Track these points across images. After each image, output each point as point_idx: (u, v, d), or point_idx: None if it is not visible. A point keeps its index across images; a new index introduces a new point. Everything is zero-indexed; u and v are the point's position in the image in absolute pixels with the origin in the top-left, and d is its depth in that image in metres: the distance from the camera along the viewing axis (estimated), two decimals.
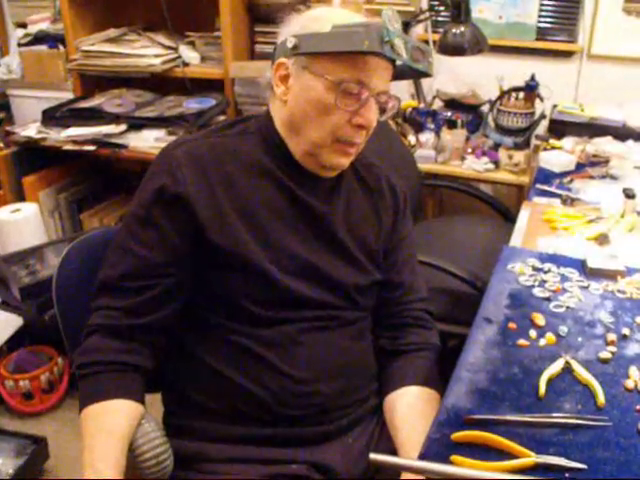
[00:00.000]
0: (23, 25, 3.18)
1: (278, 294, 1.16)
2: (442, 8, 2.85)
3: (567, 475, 0.88)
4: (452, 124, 2.78)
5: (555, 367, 1.08)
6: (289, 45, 1.11)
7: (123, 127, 2.69)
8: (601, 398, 1.02)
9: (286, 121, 1.17)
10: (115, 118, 2.72)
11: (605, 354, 1.13)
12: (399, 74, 1.19)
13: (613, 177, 2.06)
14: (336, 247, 1.23)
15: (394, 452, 1.17)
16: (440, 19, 2.94)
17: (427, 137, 2.78)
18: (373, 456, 0.88)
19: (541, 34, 2.87)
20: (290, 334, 1.17)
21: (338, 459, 1.18)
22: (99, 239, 1.37)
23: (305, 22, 1.14)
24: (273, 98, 1.19)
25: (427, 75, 1.19)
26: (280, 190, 1.19)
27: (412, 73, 1.23)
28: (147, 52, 2.83)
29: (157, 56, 2.80)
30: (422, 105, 2.90)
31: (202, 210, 1.12)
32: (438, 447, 0.93)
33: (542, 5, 2.84)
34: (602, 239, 1.58)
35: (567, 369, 1.09)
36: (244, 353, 1.16)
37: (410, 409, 1.20)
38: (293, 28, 1.14)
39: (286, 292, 1.16)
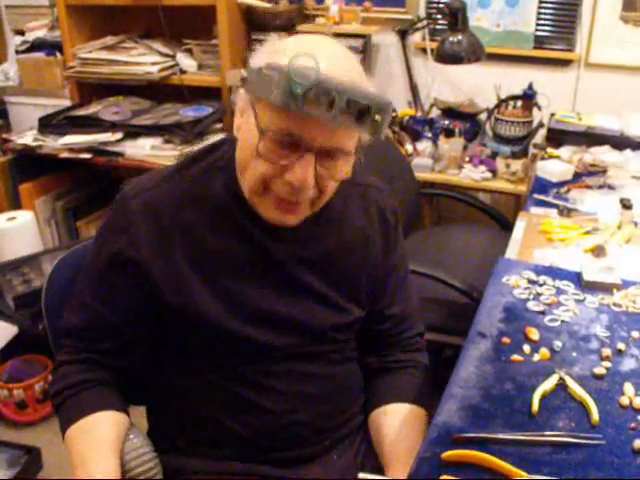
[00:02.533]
0: (21, 32, 3.18)
1: (247, 347, 1.11)
2: (439, 16, 2.84)
3: None
4: (449, 133, 2.77)
5: (549, 383, 1.07)
6: (241, 77, 1.02)
7: (119, 135, 2.69)
8: (595, 415, 1.00)
9: (237, 158, 1.07)
10: (111, 126, 2.72)
11: (600, 369, 1.11)
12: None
13: (611, 187, 2.05)
14: (305, 291, 1.14)
15: (380, 467, 1.16)
16: (438, 27, 2.93)
17: (424, 146, 2.77)
18: (362, 476, 0.87)
19: (539, 42, 2.86)
20: (264, 368, 1.13)
21: (322, 475, 1.16)
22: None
23: (262, 53, 1.02)
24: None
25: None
26: (240, 236, 1.10)
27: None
28: (144, 60, 2.83)
29: (154, 64, 2.80)
30: (419, 114, 2.89)
31: (157, 271, 1.07)
32: (428, 466, 0.91)
33: (540, 13, 2.83)
34: (598, 251, 1.56)
35: (561, 385, 1.08)
36: (219, 391, 1.13)
37: (395, 428, 1.17)
38: (253, 59, 1.03)
39: (251, 344, 1.11)
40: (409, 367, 1.27)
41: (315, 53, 0.92)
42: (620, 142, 2.37)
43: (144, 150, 2.65)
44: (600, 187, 2.05)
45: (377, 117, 0.94)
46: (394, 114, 2.87)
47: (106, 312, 1.12)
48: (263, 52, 1.02)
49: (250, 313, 1.10)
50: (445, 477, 0.88)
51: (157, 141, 2.66)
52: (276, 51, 0.99)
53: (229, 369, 1.13)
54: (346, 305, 1.18)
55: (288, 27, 2.90)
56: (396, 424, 1.18)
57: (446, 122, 2.81)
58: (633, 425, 0.99)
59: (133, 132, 2.71)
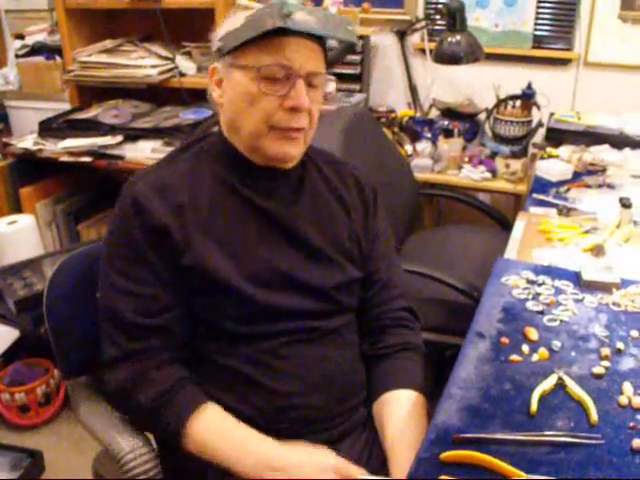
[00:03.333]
0: (20, 36, 3.19)
1: (254, 309, 1.16)
2: (438, 17, 2.85)
3: None
4: (449, 133, 2.78)
5: (548, 383, 1.07)
6: (215, 49, 1.15)
7: (119, 138, 2.69)
8: (594, 415, 1.00)
9: (227, 123, 1.19)
10: (111, 129, 2.72)
11: (599, 369, 1.11)
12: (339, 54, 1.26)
13: (610, 186, 2.05)
14: (308, 250, 1.22)
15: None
16: (436, 28, 2.93)
17: (424, 146, 2.77)
18: (361, 477, 0.87)
19: (538, 42, 2.87)
20: (272, 349, 1.16)
21: None
22: (93, 252, 1.35)
23: (225, 24, 1.15)
24: (219, 108, 1.21)
25: (352, 44, 1.24)
26: (242, 203, 1.19)
27: (341, 54, 1.31)
28: (144, 63, 2.83)
29: (154, 67, 2.80)
30: (419, 114, 2.90)
31: (176, 237, 1.13)
32: (427, 467, 0.91)
33: (538, 13, 2.83)
34: (597, 250, 1.56)
35: (560, 385, 1.08)
36: (228, 373, 1.16)
37: (395, 417, 1.19)
38: (219, 33, 1.15)
39: (262, 305, 1.16)
40: (402, 350, 1.28)
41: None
42: (619, 141, 2.37)
43: (144, 153, 2.64)
44: (599, 186, 2.05)
45: (349, 28, 1.14)
46: (393, 115, 2.88)
47: (158, 291, 1.14)
48: (224, 24, 1.15)
49: (262, 274, 1.16)
50: (444, 477, 0.89)
51: (157, 144, 2.66)
52: (247, 7, 1.13)
53: (239, 347, 1.16)
54: (345, 264, 1.26)
55: None
56: (395, 413, 1.19)
57: (445, 122, 2.82)
58: (632, 424, 1.00)
59: (133, 135, 2.70)
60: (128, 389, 1.13)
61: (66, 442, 2.27)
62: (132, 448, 1.15)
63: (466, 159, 2.73)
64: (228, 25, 1.14)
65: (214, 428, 1.11)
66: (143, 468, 1.14)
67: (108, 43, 2.94)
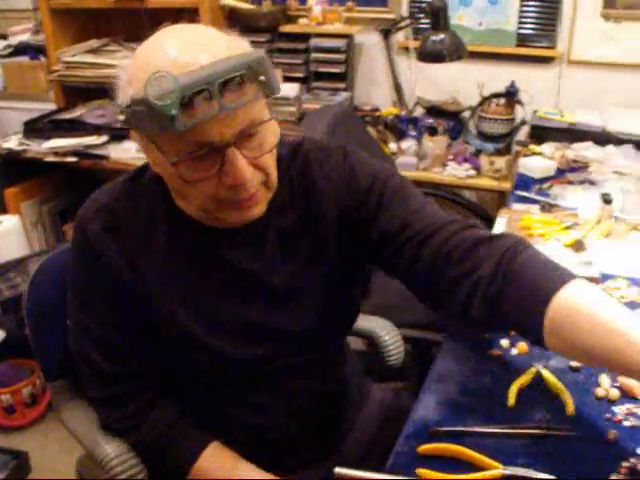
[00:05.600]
0: (4, 36, 3.18)
1: (224, 360, 1.09)
2: (422, 15, 2.86)
3: None
4: (433, 131, 2.79)
5: (526, 377, 1.08)
6: (121, 117, 0.94)
7: (105, 138, 2.69)
8: (571, 407, 1.02)
9: (171, 188, 1.02)
10: (97, 129, 2.72)
11: (576, 362, 1.12)
12: None
13: (592, 182, 2.06)
14: (275, 295, 1.09)
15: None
16: (420, 26, 2.94)
17: (409, 144, 2.78)
18: (338, 470, 0.88)
19: (521, 40, 2.88)
20: (249, 383, 1.13)
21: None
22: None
23: (122, 88, 0.95)
24: None
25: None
26: (203, 252, 1.06)
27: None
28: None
29: None
30: (403, 112, 2.91)
31: (136, 290, 1.05)
32: (405, 460, 0.93)
33: (522, 11, 2.84)
34: (578, 245, 1.58)
35: (538, 378, 1.09)
36: (203, 408, 1.15)
37: (579, 305, 0.90)
38: (122, 98, 0.94)
39: (232, 358, 1.09)
40: (497, 256, 0.98)
41: (162, 59, 0.89)
42: (602, 138, 2.38)
43: (129, 153, 2.65)
44: (582, 182, 2.07)
45: (261, 78, 0.89)
46: (378, 113, 2.89)
47: (122, 339, 1.10)
48: (122, 86, 0.95)
49: (224, 326, 1.08)
50: (421, 470, 0.90)
51: None
52: (130, 81, 0.93)
53: (213, 387, 1.13)
54: (317, 300, 1.12)
55: (271, 28, 2.92)
56: (575, 301, 0.90)
57: (430, 120, 2.82)
58: (608, 416, 1.01)
59: (118, 135, 2.71)
60: (120, 430, 1.13)
61: (52, 443, 2.27)
62: (117, 453, 1.12)
63: (451, 157, 2.74)
64: (125, 91, 0.94)
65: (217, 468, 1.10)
66: (129, 474, 1.12)
67: (93, 43, 2.94)
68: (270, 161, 0.98)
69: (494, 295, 0.95)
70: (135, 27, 2.96)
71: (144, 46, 0.95)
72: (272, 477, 1.10)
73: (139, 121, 0.90)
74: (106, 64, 2.84)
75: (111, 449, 1.12)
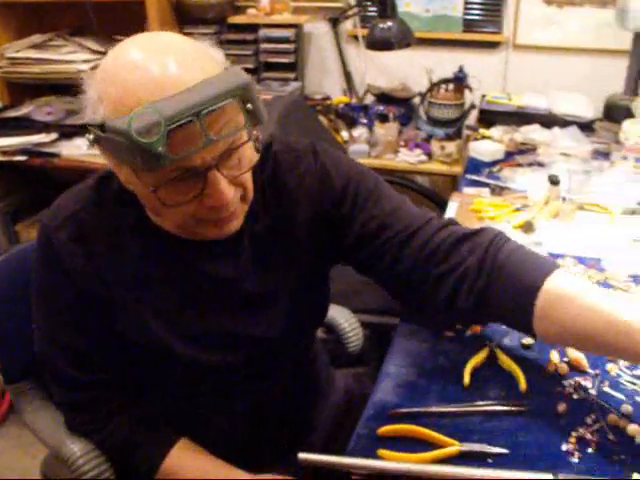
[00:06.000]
0: None
1: (199, 373, 1.10)
2: (369, 3, 2.88)
3: (490, 461, 0.92)
4: (384, 118, 2.82)
5: (480, 356, 1.12)
6: (89, 136, 0.88)
7: (54, 136, 2.65)
8: (524, 384, 1.05)
9: (147, 207, 0.99)
10: (45, 127, 2.68)
11: (527, 340, 1.16)
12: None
13: (540, 164, 2.11)
14: (248, 302, 1.09)
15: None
16: (368, 14, 2.96)
17: (360, 132, 2.81)
18: (302, 456, 0.90)
19: (468, 26, 2.92)
20: (222, 389, 1.14)
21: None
22: (29, 253, 1.32)
23: (102, 90, 0.87)
24: None
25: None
26: (174, 262, 1.05)
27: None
28: (75, 57, 2.77)
29: (86, 61, 2.75)
30: (354, 100, 2.93)
31: (105, 301, 1.04)
32: (365, 442, 0.95)
33: None
34: (527, 227, 1.62)
35: (492, 357, 1.13)
36: (176, 413, 1.15)
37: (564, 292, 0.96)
38: (92, 114, 0.88)
39: (205, 366, 1.08)
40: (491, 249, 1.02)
41: (136, 76, 0.84)
42: (548, 120, 2.44)
43: (81, 150, 2.61)
44: (530, 165, 2.12)
45: (249, 106, 0.87)
46: (329, 102, 2.90)
47: (90, 348, 1.08)
48: (90, 102, 0.88)
49: (199, 336, 1.07)
50: (382, 451, 0.92)
51: None
52: (100, 99, 0.86)
53: (186, 393, 1.14)
54: (291, 304, 1.12)
55: (219, 20, 2.90)
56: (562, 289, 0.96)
57: (380, 108, 2.85)
58: (558, 390, 1.05)
59: (68, 132, 2.67)
60: (85, 432, 1.13)
61: (14, 444, 2.25)
62: (83, 452, 1.12)
63: (402, 143, 2.78)
64: (102, 106, 0.86)
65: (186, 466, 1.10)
66: (96, 472, 1.12)
67: (36, 38, 2.87)
68: (248, 176, 0.96)
69: (481, 289, 1.00)
70: (79, 21, 2.92)
71: (112, 59, 0.89)
72: (243, 473, 1.10)
73: (117, 150, 0.85)
74: (53, 59, 2.78)
75: (77, 448, 1.12)
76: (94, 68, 2.72)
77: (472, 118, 2.74)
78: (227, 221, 0.96)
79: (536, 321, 0.96)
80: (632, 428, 0.95)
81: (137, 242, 1.03)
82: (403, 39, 2.57)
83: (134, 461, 1.11)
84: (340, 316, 1.51)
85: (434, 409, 1.00)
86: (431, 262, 1.04)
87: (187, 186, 0.88)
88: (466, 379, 1.06)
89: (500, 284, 0.99)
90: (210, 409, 1.15)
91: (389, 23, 2.57)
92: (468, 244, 1.04)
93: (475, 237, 1.05)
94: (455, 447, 0.92)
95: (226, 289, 1.07)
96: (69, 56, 2.79)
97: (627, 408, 0.99)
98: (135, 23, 2.82)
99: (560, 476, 0.84)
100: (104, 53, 2.84)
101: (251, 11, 2.94)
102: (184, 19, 2.86)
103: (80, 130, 2.65)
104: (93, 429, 1.12)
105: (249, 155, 0.94)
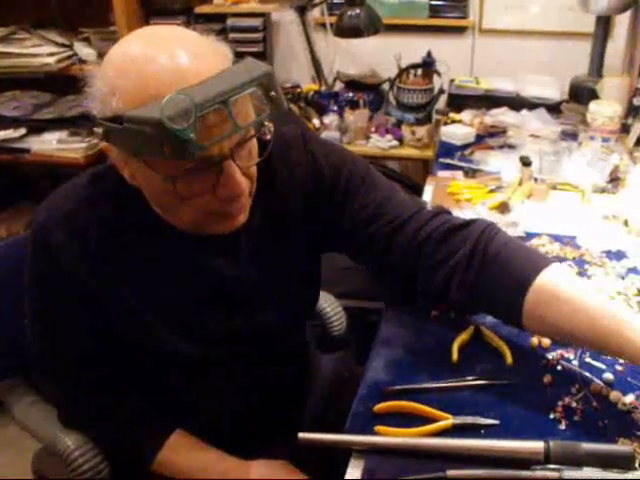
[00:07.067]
0: None
1: (201, 367, 1.12)
2: None
3: (482, 432, 0.95)
4: (354, 104, 2.84)
5: (465, 333, 1.15)
6: (98, 130, 0.87)
7: (22, 131, 2.62)
8: (509, 358, 1.09)
9: (155, 204, 0.98)
10: (12, 122, 2.64)
11: None
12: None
13: (511, 146, 2.15)
14: (242, 297, 1.10)
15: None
16: (336, 2, 2.97)
17: (331, 119, 2.82)
18: (302, 435, 0.92)
19: (434, 12, 2.95)
20: (223, 379, 1.15)
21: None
22: (4, 251, 1.33)
23: (113, 84, 0.86)
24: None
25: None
26: (182, 258, 1.04)
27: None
28: (40, 51, 2.74)
29: (51, 54, 2.72)
30: (324, 88, 2.94)
31: (104, 306, 1.03)
32: (362, 420, 0.97)
33: None
34: (503, 207, 1.66)
35: (478, 334, 1.16)
36: (173, 405, 1.15)
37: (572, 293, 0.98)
38: (102, 84, 0.87)
39: (204, 361, 1.10)
40: (467, 243, 1.05)
41: (154, 66, 0.83)
42: (516, 103, 2.49)
43: (51, 145, 2.59)
44: (501, 147, 2.15)
45: (272, 94, 0.87)
46: (299, 90, 2.91)
47: (83, 340, 1.08)
48: (100, 97, 0.87)
49: (204, 333, 1.08)
50: (379, 427, 0.95)
51: (63, 134, 2.61)
52: (112, 92, 0.85)
53: (185, 386, 1.14)
54: (288, 298, 1.14)
55: (186, 10, 2.89)
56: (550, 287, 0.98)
57: (350, 94, 2.87)
58: (543, 362, 1.09)
59: (37, 127, 2.64)
60: (80, 426, 1.14)
61: (1, 444, 2.22)
62: (78, 445, 1.12)
63: (373, 129, 2.80)
64: (115, 99, 0.85)
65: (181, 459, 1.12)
66: (91, 464, 1.12)
67: None
68: (255, 168, 0.96)
69: (471, 281, 1.03)
70: (42, 13, 2.87)
71: (120, 52, 0.87)
72: (237, 460, 1.12)
73: (134, 142, 0.83)
74: (15, 53, 2.74)
75: (71, 441, 1.12)
76: (60, 61, 2.69)
77: (442, 102, 2.77)
78: (237, 214, 0.96)
79: (525, 317, 1.00)
80: (614, 395, 1.00)
81: (136, 240, 1.02)
82: (371, 26, 2.60)
83: (129, 454, 1.12)
84: (324, 301, 1.53)
85: (426, 385, 1.03)
86: (422, 253, 1.07)
87: (202, 177, 0.88)
88: (454, 355, 1.09)
89: (490, 278, 1.02)
90: (208, 398, 1.16)
91: (357, 10, 2.59)
92: (459, 235, 1.06)
93: (466, 228, 1.07)
94: (449, 420, 0.95)
95: (228, 284, 1.08)
96: (33, 49, 2.75)
97: (608, 376, 1.04)
98: (100, 15, 2.81)
99: (550, 443, 0.87)
100: (69, 46, 2.81)
101: (218, 1, 2.93)
102: (151, 10, 2.84)
103: (49, 125, 2.62)
104: (88, 423, 1.13)
105: (256, 147, 0.95)
